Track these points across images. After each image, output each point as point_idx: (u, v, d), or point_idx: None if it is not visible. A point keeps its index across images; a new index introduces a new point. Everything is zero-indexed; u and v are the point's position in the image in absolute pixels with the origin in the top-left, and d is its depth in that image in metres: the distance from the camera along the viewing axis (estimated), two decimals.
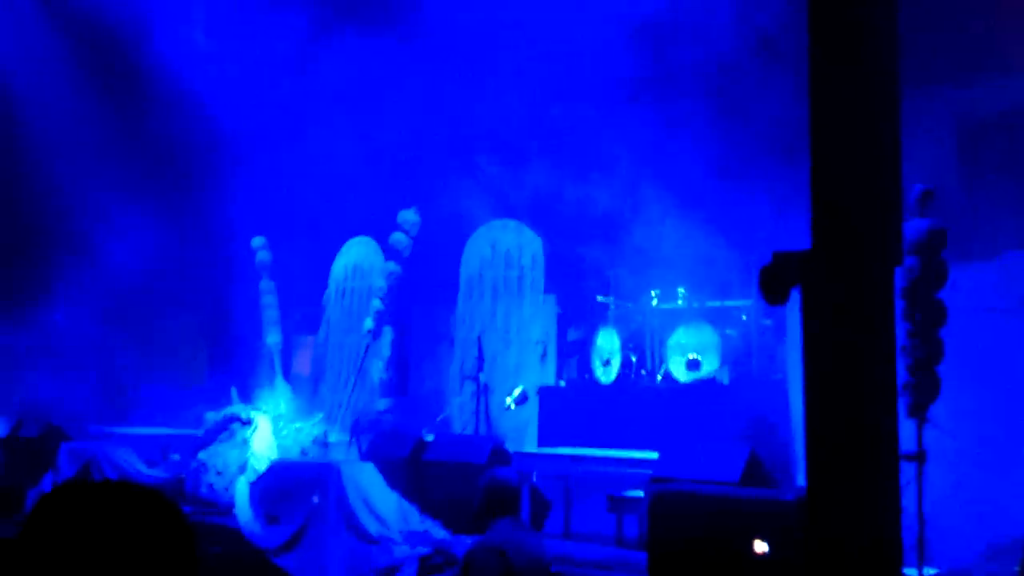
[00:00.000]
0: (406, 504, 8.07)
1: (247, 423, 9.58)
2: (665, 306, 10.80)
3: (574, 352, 11.67)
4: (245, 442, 9.40)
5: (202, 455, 9.48)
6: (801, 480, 7.39)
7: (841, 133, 3.66)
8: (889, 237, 3.66)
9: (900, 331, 6.08)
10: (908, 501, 5.90)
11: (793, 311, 3.47)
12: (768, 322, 10.23)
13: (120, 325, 13.23)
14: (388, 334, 11.96)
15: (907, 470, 5.85)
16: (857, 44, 3.67)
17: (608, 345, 10.68)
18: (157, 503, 1.75)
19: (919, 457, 6.01)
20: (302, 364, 13.07)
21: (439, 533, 7.83)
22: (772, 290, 3.70)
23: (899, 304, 6.11)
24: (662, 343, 10.36)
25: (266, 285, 12.77)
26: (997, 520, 6.93)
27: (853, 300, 3.53)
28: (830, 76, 3.72)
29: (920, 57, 8.88)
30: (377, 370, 11.79)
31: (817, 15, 3.76)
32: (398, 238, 11.52)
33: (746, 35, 9.53)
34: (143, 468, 10.02)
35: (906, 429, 5.36)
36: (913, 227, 6.20)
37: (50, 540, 1.65)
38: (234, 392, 10.48)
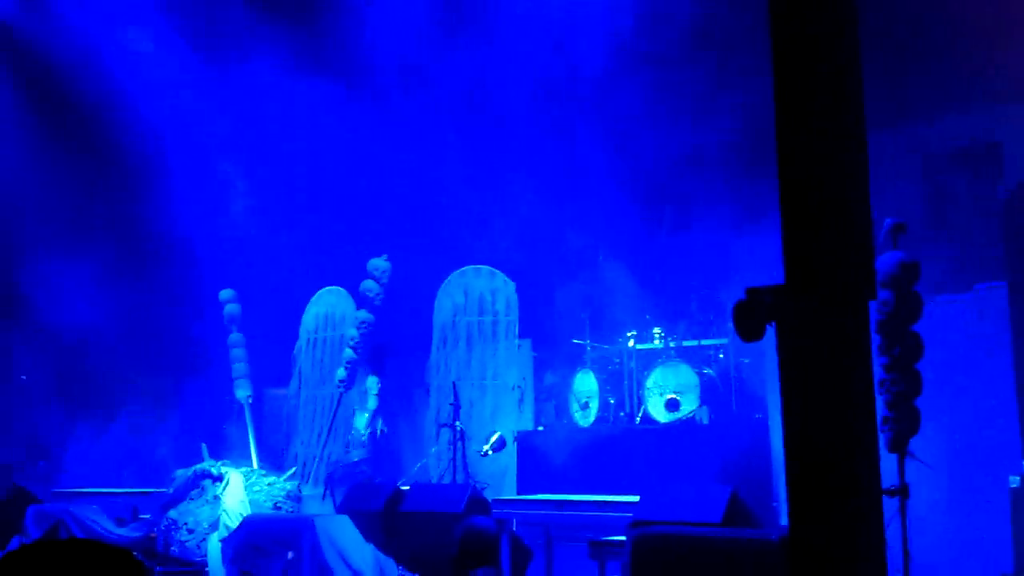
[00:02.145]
0: (382, 557, 7.90)
1: (218, 479, 9.38)
2: (642, 347, 10.73)
3: (551, 396, 11.58)
4: (216, 498, 9.20)
5: (172, 513, 9.27)
6: (785, 519, 7.29)
7: (810, 169, 3.63)
8: (861, 271, 3.61)
9: (877, 366, 6.03)
10: (892, 536, 5.82)
11: (771, 349, 3.40)
12: (747, 360, 10.19)
13: (79, 383, 13.00)
14: (375, 385, 11.79)
15: (890, 505, 5.78)
16: (822, 81, 3.65)
17: (586, 388, 10.59)
18: (123, 562, 1.70)
19: (902, 492, 5.94)
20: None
21: None
22: (746, 327, 3.64)
23: (875, 339, 6.07)
24: (640, 384, 10.28)
25: (235, 338, 12.59)
26: (983, 554, 6.86)
27: (828, 335, 3.47)
28: (797, 114, 3.69)
29: (886, 96, 9.00)
30: (363, 422, 11.61)
31: (780, 54, 3.74)
32: (369, 286, 11.41)
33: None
34: (112, 528, 9.78)
35: (888, 464, 5.30)
36: (885, 261, 6.18)
37: None
38: (204, 448, 10.30)
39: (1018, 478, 6.65)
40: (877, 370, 6.03)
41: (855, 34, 3.72)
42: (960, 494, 7.05)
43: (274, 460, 11.95)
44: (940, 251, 9.72)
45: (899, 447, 6.02)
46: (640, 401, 10.23)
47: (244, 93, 11.74)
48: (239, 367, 12.51)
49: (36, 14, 11.86)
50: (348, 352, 11.54)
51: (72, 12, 11.80)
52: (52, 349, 12.64)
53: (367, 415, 11.63)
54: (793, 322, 3.55)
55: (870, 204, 3.71)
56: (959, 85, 9.51)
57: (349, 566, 7.71)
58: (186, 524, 9.17)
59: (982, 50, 9.15)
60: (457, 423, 9.96)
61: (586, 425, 10.42)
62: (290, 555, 7.79)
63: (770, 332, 3.62)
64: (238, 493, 9.36)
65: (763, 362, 9.21)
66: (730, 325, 3.70)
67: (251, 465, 11.06)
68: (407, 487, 8.78)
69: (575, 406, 10.58)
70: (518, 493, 9.91)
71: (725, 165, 9.67)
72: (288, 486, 9.98)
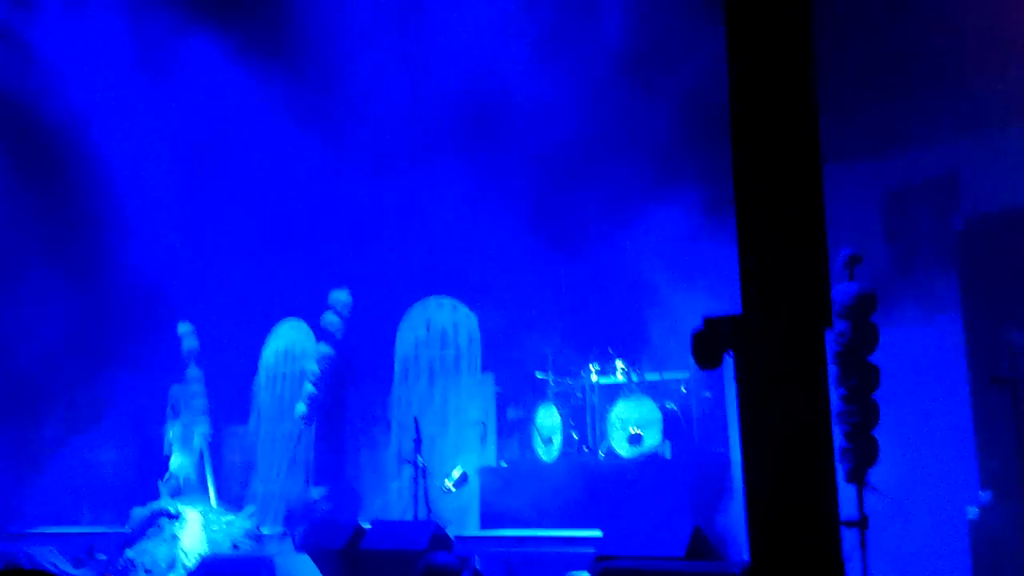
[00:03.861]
0: None
1: (175, 517, 9.22)
2: (604, 381, 10.71)
3: (514, 431, 11.50)
4: (174, 537, 9.05)
5: (130, 552, 9.11)
6: (747, 552, 7.26)
7: (766, 200, 3.65)
8: (817, 300, 3.63)
9: (834, 396, 6.06)
10: (852, 568, 5.81)
11: (732, 383, 3.40)
12: (708, 394, 10.19)
13: (30, 417, 12.72)
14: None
15: (850, 536, 5.78)
16: (778, 112, 3.69)
17: (549, 422, 10.53)
18: None
19: (861, 523, 5.95)
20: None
21: None
22: (704, 355, 3.64)
23: (832, 369, 6.10)
24: (603, 418, 10.25)
25: (193, 373, 12.39)
26: None
27: (785, 363, 3.48)
28: (752, 143, 3.73)
29: (846, 130, 9.12)
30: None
31: (738, 85, 3.78)
32: (330, 319, 11.32)
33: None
34: (69, 568, 9.57)
35: (847, 495, 5.31)
36: (842, 291, 6.23)
37: None
38: (161, 486, 10.12)
39: (976, 509, 6.69)
40: (835, 401, 6.05)
41: (812, 66, 3.77)
42: (919, 525, 7.07)
43: (233, 498, 11.74)
44: (899, 283, 9.82)
45: (858, 478, 6.04)
46: (603, 435, 10.20)
47: (202, 123, 11.65)
48: (197, 403, 12.31)
49: None
50: (308, 387, 11.41)
51: (33, 37, 11.67)
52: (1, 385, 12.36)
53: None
54: (750, 351, 3.55)
55: (826, 234, 3.74)
56: (917, 118, 9.65)
57: None
58: (143, 564, 9.00)
59: (940, 83, 9.30)
60: (419, 458, 9.87)
61: (549, 460, 10.36)
62: None
63: (728, 362, 3.63)
64: (196, 532, 9.20)
65: (724, 396, 9.22)
66: (689, 356, 3.70)
67: (209, 504, 10.88)
68: (368, 524, 8.68)
69: (538, 441, 10.52)
70: (481, 529, 9.82)
71: (680, 192, 9.69)
72: (247, 525, 9.82)
